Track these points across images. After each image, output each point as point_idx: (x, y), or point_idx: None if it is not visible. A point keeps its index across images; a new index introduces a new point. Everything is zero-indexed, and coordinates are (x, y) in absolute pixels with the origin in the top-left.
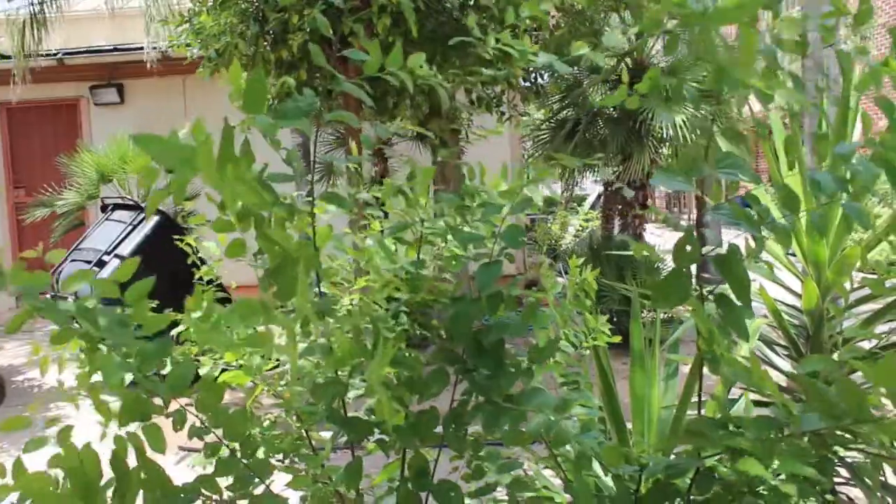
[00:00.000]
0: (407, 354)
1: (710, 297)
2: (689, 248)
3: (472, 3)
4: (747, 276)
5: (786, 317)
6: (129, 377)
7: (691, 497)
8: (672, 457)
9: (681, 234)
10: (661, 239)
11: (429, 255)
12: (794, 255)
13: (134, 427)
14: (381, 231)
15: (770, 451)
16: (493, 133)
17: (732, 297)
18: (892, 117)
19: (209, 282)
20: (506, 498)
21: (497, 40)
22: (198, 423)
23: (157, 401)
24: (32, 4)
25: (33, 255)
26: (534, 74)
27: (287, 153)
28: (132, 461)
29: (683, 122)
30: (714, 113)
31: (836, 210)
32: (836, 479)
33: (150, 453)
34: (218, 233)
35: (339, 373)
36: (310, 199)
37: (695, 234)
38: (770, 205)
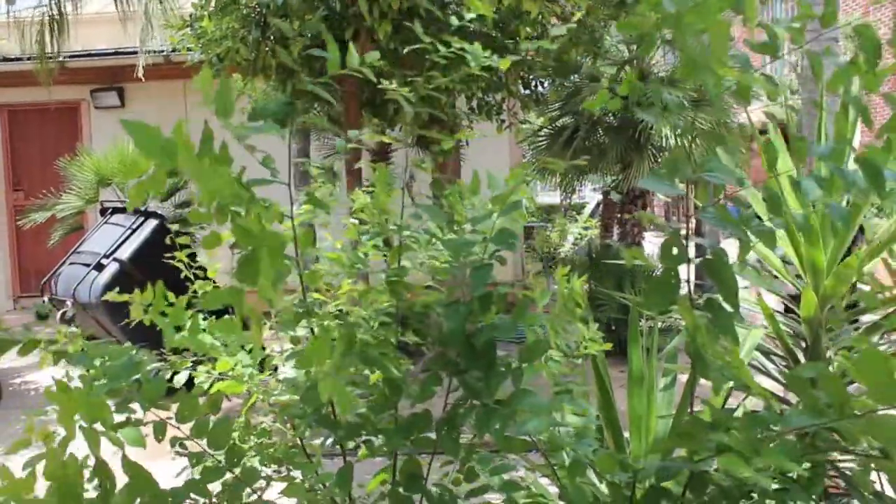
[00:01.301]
0: (389, 355)
1: (700, 302)
2: (675, 250)
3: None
4: (735, 279)
5: (783, 327)
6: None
7: (685, 502)
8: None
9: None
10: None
11: (411, 262)
12: (791, 263)
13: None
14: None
15: (755, 447)
16: (477, 136)
17: (722, 301)
18: None
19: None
20: (500, 502)
21: (448, 45)
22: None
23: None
24: (50, 6)
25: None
26: (534, 82)
27: (263, 157)
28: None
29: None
30: (711, 121)
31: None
32: (833, 490)
33: (150, 455)
34: (195, 222)
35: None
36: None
37: (681, 237)
38: (761, 207)
